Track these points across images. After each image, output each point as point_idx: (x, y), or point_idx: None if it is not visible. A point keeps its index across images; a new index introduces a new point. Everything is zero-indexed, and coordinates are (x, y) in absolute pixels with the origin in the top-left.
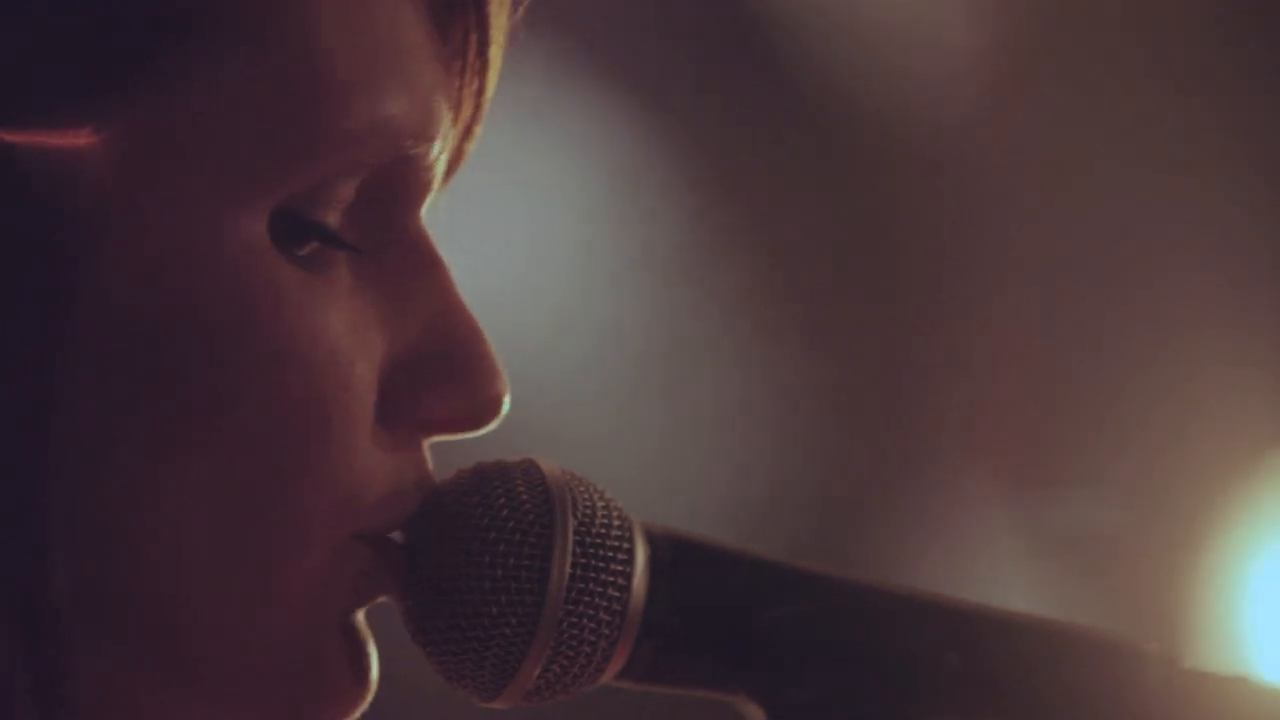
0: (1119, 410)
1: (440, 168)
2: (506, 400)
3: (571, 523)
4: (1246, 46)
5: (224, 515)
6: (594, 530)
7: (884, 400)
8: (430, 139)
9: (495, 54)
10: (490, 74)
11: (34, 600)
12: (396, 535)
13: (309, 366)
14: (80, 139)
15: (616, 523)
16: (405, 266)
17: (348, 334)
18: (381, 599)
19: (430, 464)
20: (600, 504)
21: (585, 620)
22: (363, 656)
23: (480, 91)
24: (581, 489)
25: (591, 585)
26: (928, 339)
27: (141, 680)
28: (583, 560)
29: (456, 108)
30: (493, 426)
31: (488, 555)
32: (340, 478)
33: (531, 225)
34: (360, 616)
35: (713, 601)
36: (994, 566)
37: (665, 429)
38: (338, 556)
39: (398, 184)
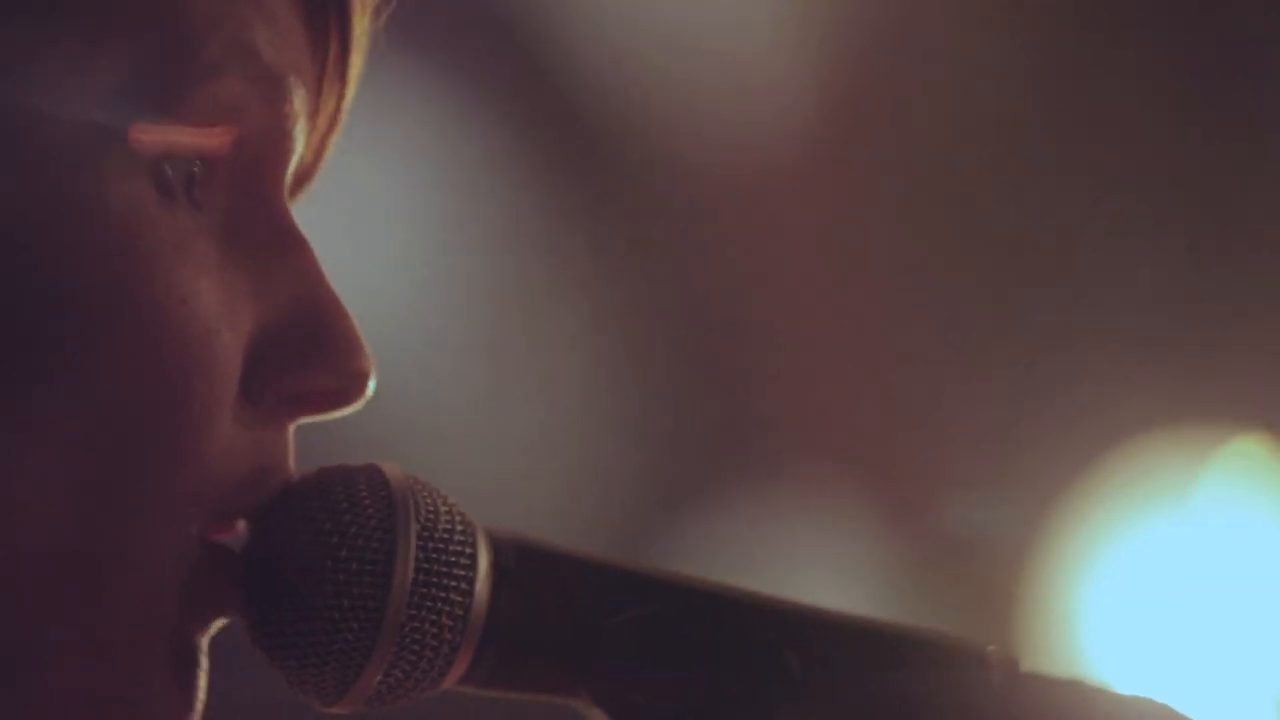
0: (959, 415)
1: (299, 137)
2: (373, 377)
3: (414, 528)
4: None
5: (77, 495)
6: (437, 535)
7: (728, 401)
8: (291, 87)
9: (356, 62)
10: (350, 83)
11: None
12: (242, 528)
13: (177, 336)
14: None
15: (460, 528)
16: (271, 245)
17: (216, 304)
18: (224, 620)
19: (291, 447)
20: (444, 509)
21: (428, 626)
22: (192, 681)
23: (339, 99)
24: (425, 494)
25: (434, 590)
26: (775, 342)
27: None
28: (425, 565)
29: (315, 115)
30: (358, 405)
31: (330, 560)
32: (202, 452)
33: (369, 225)
34: (203, 642)
35: (555, 606)
36: (836, 568)
37: (505, 429)
38: (182, 563)
39: (260, 151)
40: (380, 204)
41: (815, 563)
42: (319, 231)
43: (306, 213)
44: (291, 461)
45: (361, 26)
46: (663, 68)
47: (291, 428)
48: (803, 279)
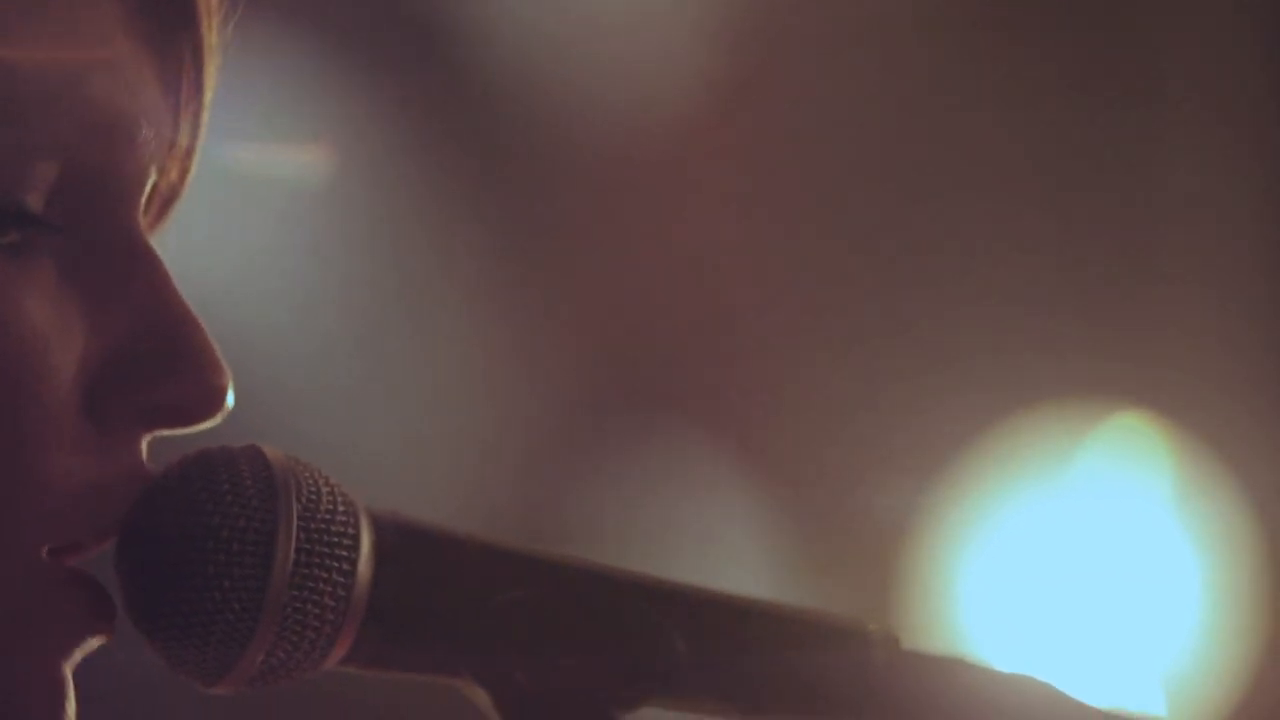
0: (840, 392)
1: (152, 156)
2: (230, 393)
3: (296, 508)
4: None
5: None
6: (319, 516)
7: (609, 376)
8: (134, 111)
9: (211, 73)
10: (207, 92)
11: None
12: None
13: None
14: None
15: (341, 508)
16: (117, 260)
17: (46, 322)
18: (94, 643)
19: (145, 462)
20: (325, 489)
21: (310, 606)
22: (59, 708)
23: (198, 112)
24: (306, 474)
25: (316, 571)
26: (658, 321)
27: None
28: (307, 546)
29: (175, 129)
30: (216, 421)
31: (211, 541)
32: (39, 477)
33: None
34: (67, 669)
35: (438, 587)
36: (719, 547)
37: (388, 409)
38: (37, 588)
39: (106, 172)
40: (252, 185)
41: (699, 542)
42: (191, 226)
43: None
44: (148, 471)
45: (211, 39)
46: (550, 35)
47: (144, 444)
48: (690, 255)
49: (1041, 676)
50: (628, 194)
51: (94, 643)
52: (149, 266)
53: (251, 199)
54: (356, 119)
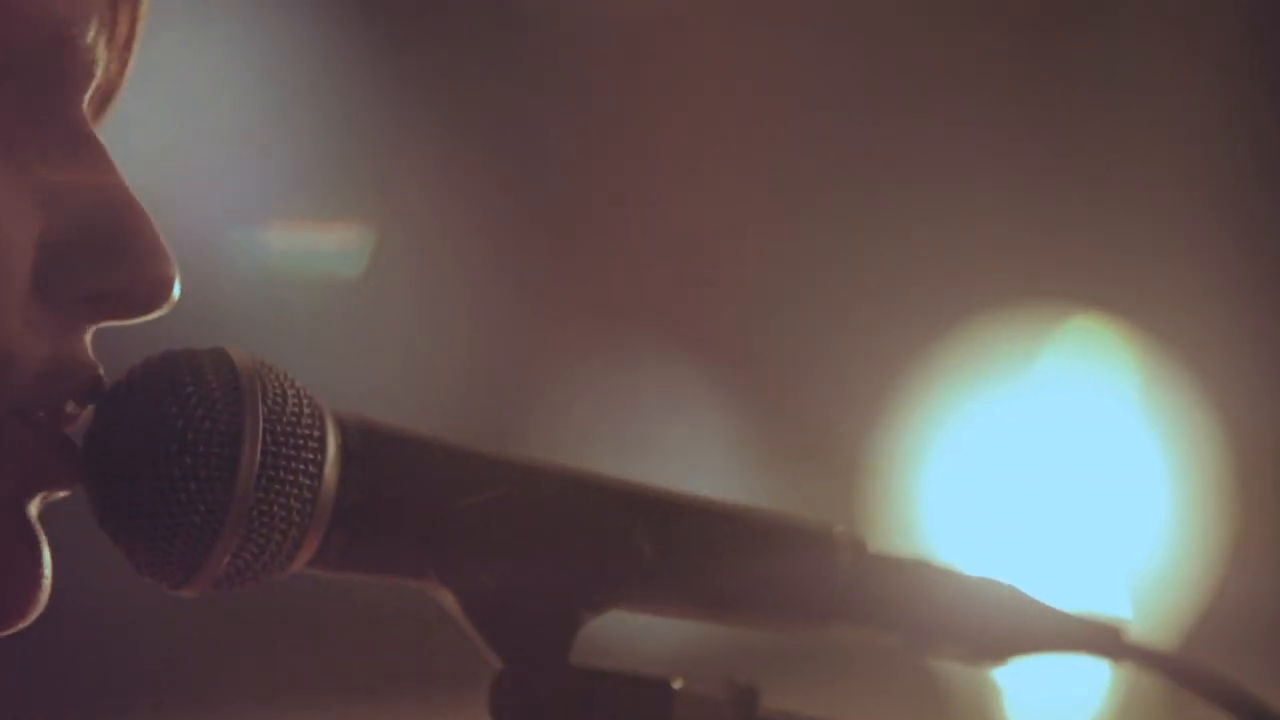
0: (807, 299)
1: (99, 55)
2: (177, 284)
3: (261, 410)
4: None
5: None
6: (285, 418)
7: (575, 282)
8: (76, 4)
9: None
10: None
11: None
12: (72, 408)
13: None
14: None
15: (307, 411)
16: (67, 152)
17: (3, 203)
18: (58, 493)
19: (89, 349)
20: (291, 392)
21: (276, 509)
22: (35, 552)
23: (135, 5)
24: (271, 377)
25: (282, 474)
26: (622, 219)
27: None
28: (273, 449)
29: (112, 26)
30: (162, 311)
31: (175, 443)
32: None
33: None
34: (32, 510)
35: (404, 489)
36: (683, 452)
37: (351, 312)
38: (4, 434)
39: (54, 73)
40: (207, 71)
41: (666, 448)
42: (150, 113)
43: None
44: (92, 358)
45: None
46: None
47: (90, 332)
48: (663, 169)
49: (1006, 579)
50: (603, 96)
51: (58, 492)
52: (95, 156)
53: (205, 90)
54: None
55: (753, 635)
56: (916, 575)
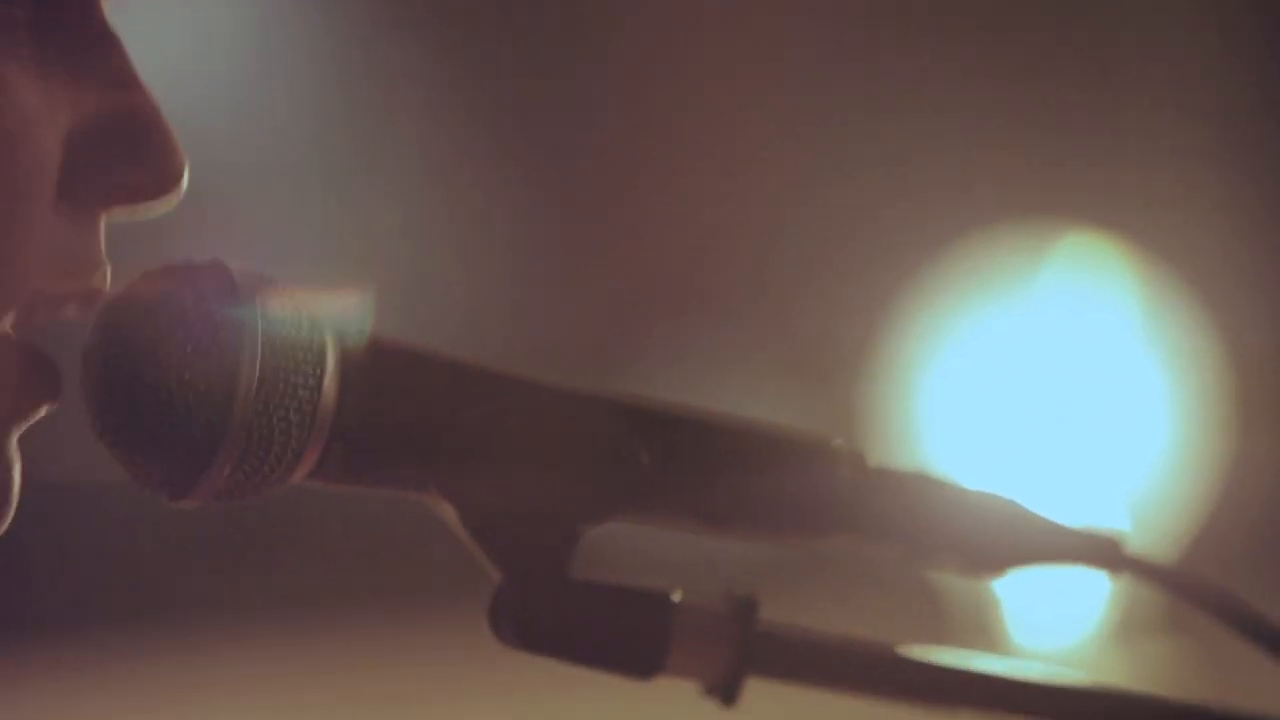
0: (808, 215)
1: None
2: (185, 175)
3: (260, 323)
4: None
5: None
6: (283, 331)
7: (591, 203)
8: None
9: None
10: None
11: None
12: (73, 310)
13: None
14: None
15: (307, 324)
16: (83, 44)
17: (34, 97)
18: (40, 412)
19: (102, 240)
20: (290, 304)
21: (275, 422)
22: (6, 478)
23: None
24: (271, 289)
25: (282, 387)
26: (657, 153)
27: None
28: (273, 362)
29: None
30: (171, 203)
31: (174, 356)
32: (20, 246)
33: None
34: (12, 441)
35: (404, 402)
36: (683, 368)
37: (348, 229)
38: None
39: None
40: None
41: (664, 361)
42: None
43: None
44: (104, 256)
45: None
46: None
47: (102, 221)
48: (681, 83)
49: (1006, 493)
50: (626, 32)
51: (40, 412)
52: (112, 49)
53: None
54: None
55: (752, 548)
56: (916, 488)
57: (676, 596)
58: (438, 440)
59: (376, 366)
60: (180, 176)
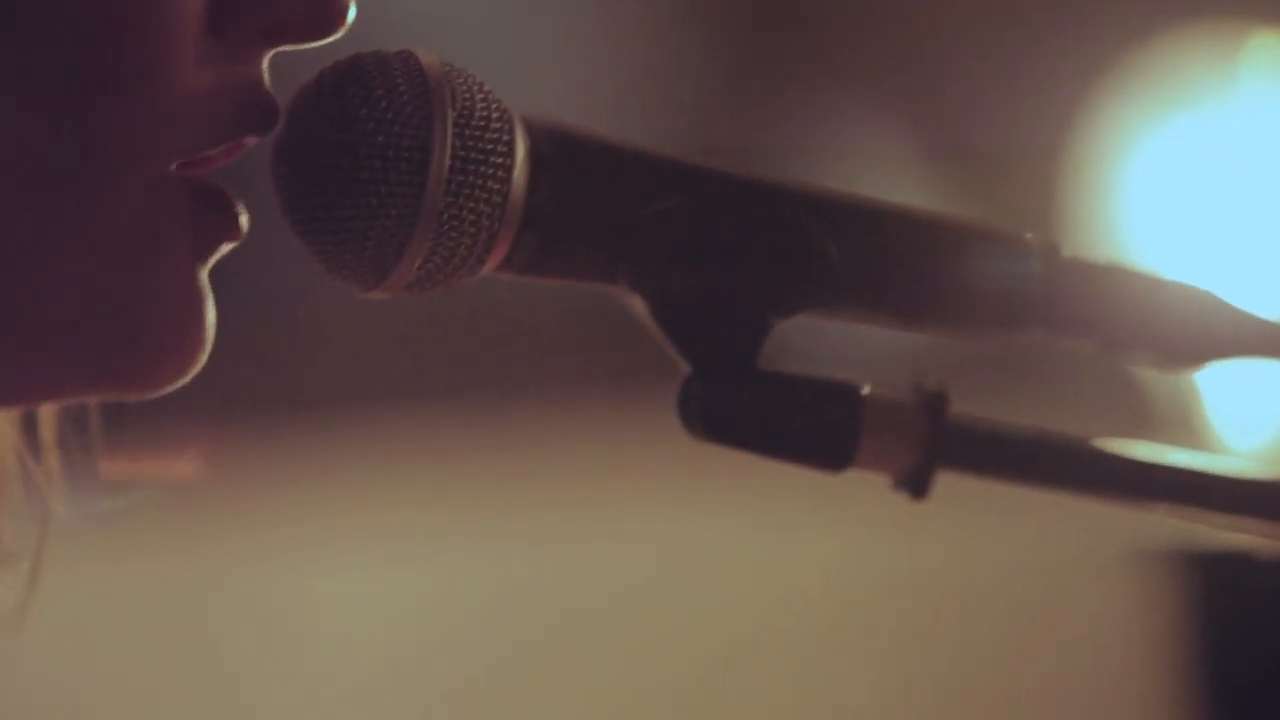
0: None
1: None
2: (352, 7)
3: (450, 114)
4: None
5: (32, 125)
6: (474, 122)
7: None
8: None
9: None
10: None
11: None
12: (251, 142)
13: None
14: None
15: (496, 114)
16: None
17: None
18: (224, 247)
19: (265, 77)
20: (480, 95)
21: (466, 212)
22: (200, 311)
23: None
24: (461, 80)
25: (472, 177)
26: None
27: None
28: (462, 153)
29: None
30: (338, 35)
31: (365, 147)
32: (165, 89)
33: None
34: (202, 277)
35: (594, 193)
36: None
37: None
38: (165, 200)
39: None
40: None
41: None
42: None
43: None
44: (269, 90)
45: None
46: None
47: (266, 59)
48: None
49: (1203, 285)
50: None
51: (225, 248)
52: None
53: None
54: None
55: (943, 341)
56: (1112, 279)
57: (866, 389)
58: (628, 231)
59: (566, 155)
60: (345, 11)
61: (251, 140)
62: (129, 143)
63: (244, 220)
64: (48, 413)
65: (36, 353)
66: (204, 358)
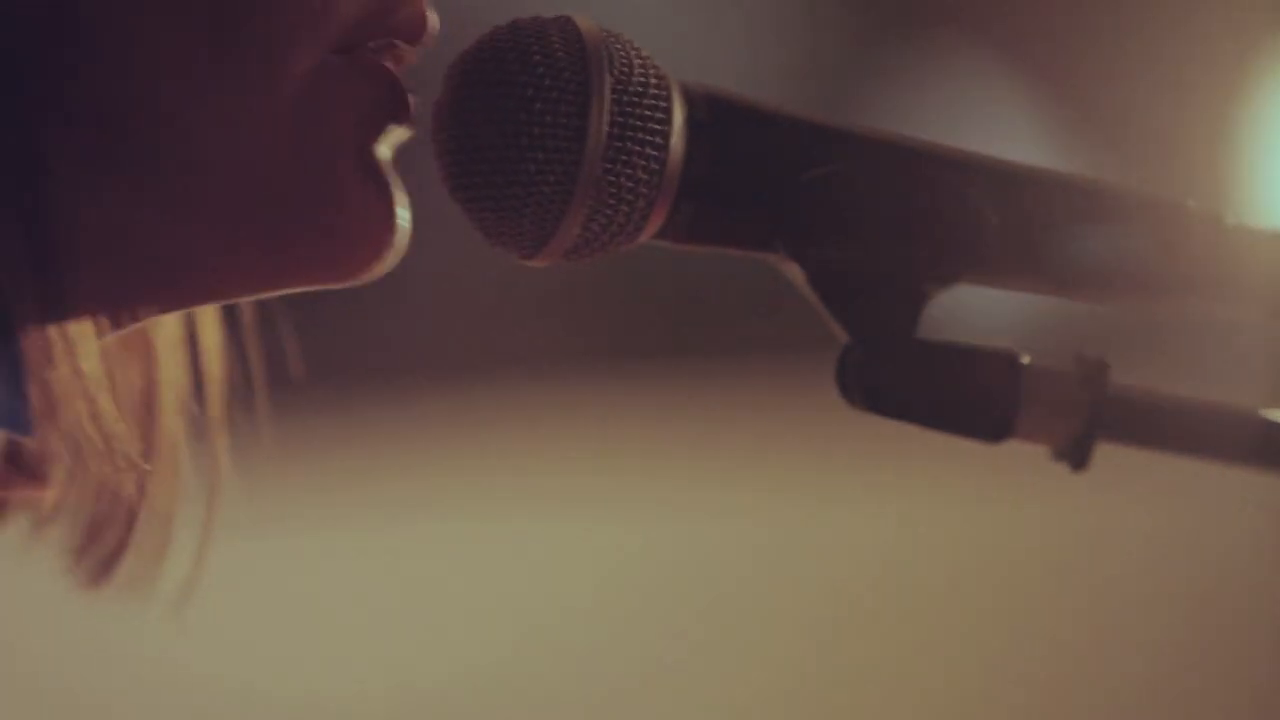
0: None
1: None
2: None
3: (609, 81)
4: None
5: (198, 23)
6: (631, 88)
7: None
8: None
9: None
10: None
11: (17, 138)
12: (403, 46)
13: None
14: None
15: (654, 81)
16: None
17: None
18: (399, 132)
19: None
20: (638, 61)
21: (624, 179)
22: (383, 190)
23: None
24: (619, 46)
25: (629, 144)
26: None
27: (145, 215)
28: (620, 119)
29: None
30: None
31: (524, 113)
32: None
33: None
34: (383, 150)
35: (751, 160)
36: (1029, 135)
37: None
38: (330, 75)
39: None
40: None
41: (1007, 140)
42: None
43: None
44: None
45: None
46: None
47: None
48: None
49: None
50: None
51: (399, 132)
52: None
53: None
54: None
55: (1104, 310)
56: (1275, 246)
57: (1025, 358)
58: (786, 199)
59: (723, 123)
60: None
61: (402, 45)
62: (284, 32)
63: (411, 100)
64: (216, 388)
65: (215, 243)
66: (394, 240)
